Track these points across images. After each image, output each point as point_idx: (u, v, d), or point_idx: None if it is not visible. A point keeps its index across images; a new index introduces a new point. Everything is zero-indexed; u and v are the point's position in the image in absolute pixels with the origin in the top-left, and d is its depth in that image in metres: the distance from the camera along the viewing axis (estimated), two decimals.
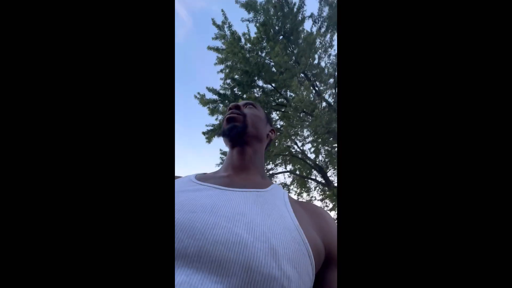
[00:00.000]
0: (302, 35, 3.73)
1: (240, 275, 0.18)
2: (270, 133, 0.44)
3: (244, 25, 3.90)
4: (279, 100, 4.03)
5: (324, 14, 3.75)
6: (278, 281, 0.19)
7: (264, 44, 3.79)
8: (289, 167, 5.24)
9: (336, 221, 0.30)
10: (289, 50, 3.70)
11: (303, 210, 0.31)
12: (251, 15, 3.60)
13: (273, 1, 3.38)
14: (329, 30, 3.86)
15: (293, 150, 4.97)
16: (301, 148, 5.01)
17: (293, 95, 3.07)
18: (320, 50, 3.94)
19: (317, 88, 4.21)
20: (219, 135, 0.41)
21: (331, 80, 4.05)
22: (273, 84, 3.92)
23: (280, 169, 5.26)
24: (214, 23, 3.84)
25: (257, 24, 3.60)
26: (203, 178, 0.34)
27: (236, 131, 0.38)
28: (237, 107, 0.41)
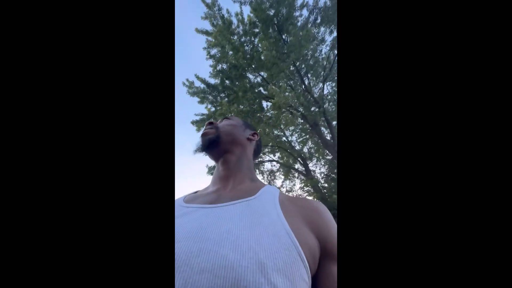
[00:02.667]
0: (296, 26, 3.58)
1: None
2: (251, 136, 0.45)
3: (236, 5, 3.56)
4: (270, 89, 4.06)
5: (321, 4, 3.55)
6: None
7: (257, 30, 3.61)
8: (277, 155, 5.57)
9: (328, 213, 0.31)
10: (281, 43, 3.59)
11: (295, 207, 0.30)
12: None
13: None
14: (323, 24, 3.73)
15: (283, 139, 5.22)
16: (288, 139, 5.27)
17: (277, 92, 3.14)
18: (315, 41, 3.85)
19: (307, 82, 4.26)
20: (196, 152, 0.43)
21: (323, 73, 4.10)
22: (264, 74, 3.89)
23: (268, 157, 5.58)
24: (204, 1, 3.50)
25: (250, 7, 3.36)
26: (191, 198, 0.34)
27: (211, 143, 0.40)
28: (210, 123, 0.44)
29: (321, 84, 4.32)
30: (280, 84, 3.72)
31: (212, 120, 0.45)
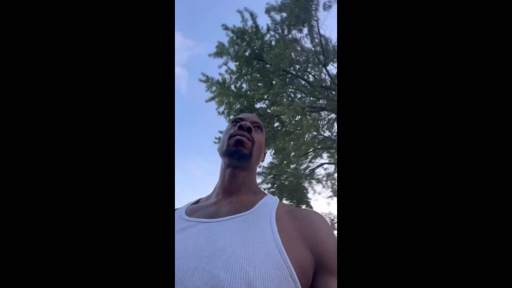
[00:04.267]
0: (271, 46, 3.99)
1: None
2: (263, 157, 0.46)
3: (223, 66, 4.45)
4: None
5: (277, 19, 3.93)
6: None
7: (244, 71, 4.24)
8: (325, 156, 5.14)
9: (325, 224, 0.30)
10: (266, 67, 4.00)
11: (292, 220, 0.31)
12: (224, 59, 4.16)
13: (234, 38, 3.85)
14: (291, 31, 3.97)
15: (320, 138, 4.91)
16: (324, 135, 4.89)
17: (282, 109, 3.31)
18: (292, 46, 4.05)
19: (311, 78, 4.26)
20: (222, 153, 0.40)
21: (318, 60, 4.06)
22: (268, 97, 4.24)
23: (316, 163, 5.23)
24: (200, 80, 4.63)
25: (233, 62, 4.12)
26: (192, 210, 0.35)
27: (242, 158, 0.38)
28: (249, 130, 0.40)
29: (324, 70, 4.19)
30: (284, 98, 3.89)
31: (249, 124, 0.41)
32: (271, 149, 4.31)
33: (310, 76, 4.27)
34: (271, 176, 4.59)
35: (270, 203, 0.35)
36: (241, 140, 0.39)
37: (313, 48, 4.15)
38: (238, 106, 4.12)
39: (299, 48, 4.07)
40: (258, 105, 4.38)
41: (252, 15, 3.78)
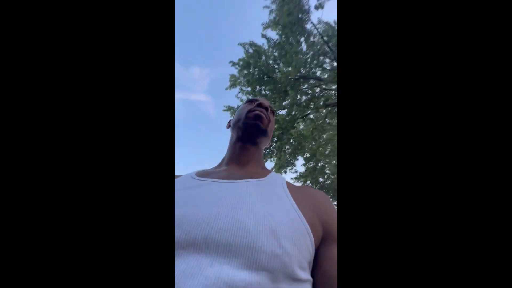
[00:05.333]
0: (278, 59, 4.24)
1: (246, 255, 0.20)
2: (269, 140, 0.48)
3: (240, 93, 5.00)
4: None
5: (274, 38, 4.16)
6: (280, 257, 0.21)
7: (258, 88, 4.62)
8: None
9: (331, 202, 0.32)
10: (276, 80, 4.24)
11: (301, 193, 0.32)
12: (238, 88, 4.70)
13: (241, 68, 4.34)
14: (289, 41, 4.10)
15: None
16: None
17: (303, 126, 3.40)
18: (298, 56, 4.14)
19: (325, 66, 4.16)
20: (239, 126, 0.41)
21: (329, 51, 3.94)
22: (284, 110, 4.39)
23: None
24: (224, 110, 5.32)
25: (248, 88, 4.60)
26: (203, 174, 0.36)
27: (258, 132, 0.40)
28: (267, 110, 0.42)
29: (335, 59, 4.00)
30: (297, 114, 3.95)
31: (267, 104, 0.44)
32: (302, 156, 4.34)
33: (326, 65, 4.17)
34: (309, 182, 4.55)
35: (279, 177, 0.37)
36: (260, 116, 0.41)
37: (318, 40, 4.09)
38: None
39: (304, 48, 4.11)
40: (279, 112, 4.60)
41: (250, 44, 4.20)
